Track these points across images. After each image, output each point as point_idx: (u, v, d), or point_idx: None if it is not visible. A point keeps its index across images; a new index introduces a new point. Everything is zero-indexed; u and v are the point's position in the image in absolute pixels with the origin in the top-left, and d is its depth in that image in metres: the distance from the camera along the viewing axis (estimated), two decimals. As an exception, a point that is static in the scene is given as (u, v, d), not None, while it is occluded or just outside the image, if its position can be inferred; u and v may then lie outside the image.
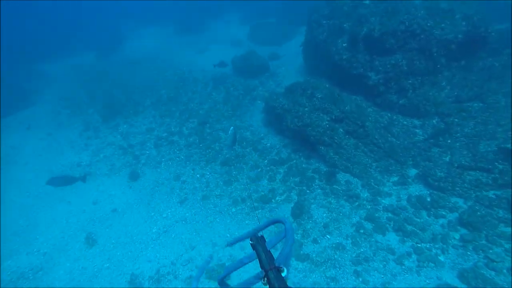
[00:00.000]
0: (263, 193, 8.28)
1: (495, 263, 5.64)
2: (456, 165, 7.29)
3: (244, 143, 10.33)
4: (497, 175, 6.83)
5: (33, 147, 12.20)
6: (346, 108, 8.68)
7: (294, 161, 9.05)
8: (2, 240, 8.27)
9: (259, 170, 9.09)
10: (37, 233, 8.35)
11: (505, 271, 5.52)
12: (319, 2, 12.60)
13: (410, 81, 9.21)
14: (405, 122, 9.15)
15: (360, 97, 10.15)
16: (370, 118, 9.06)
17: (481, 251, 5.90)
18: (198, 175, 9.37)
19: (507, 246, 5.84)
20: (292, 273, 6.22)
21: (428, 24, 8.92)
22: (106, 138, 12.06)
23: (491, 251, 5.85)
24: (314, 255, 6.55)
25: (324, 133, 8.51)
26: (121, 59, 20.37)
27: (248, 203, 8.09)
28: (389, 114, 9.44)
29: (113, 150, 11.28)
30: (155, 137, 11.51)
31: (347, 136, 8.51)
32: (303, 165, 8.79)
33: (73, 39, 24.01)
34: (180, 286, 6.49)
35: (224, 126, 11.31)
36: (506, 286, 5.31)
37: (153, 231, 7.75)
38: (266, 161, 9.38)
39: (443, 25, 8.91)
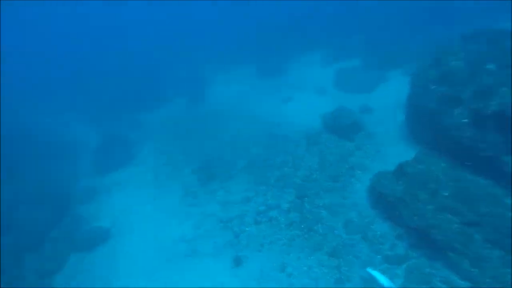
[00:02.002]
0: (383, 305, 7.49)
1: None
2: None
3: (351, 226, 9.68)
4: None
5: (141, 214, 13.00)
6: (481, 210, 7.54)
7: (414, 260, 8.11)
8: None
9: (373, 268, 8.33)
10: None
11: None
12: (425, 63, 11.58)
13: (561, 171, 7.70)
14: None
15: (489, 182, 8.82)
16: None
17: None
18: (305, 267, 8.94)
19: None
20: None
21: None
22: (205, 207, 12.37)
23: None
24: None
25: (454, 239, 7.46)
26: (208, 109, 21.24)
27: (367, 317, 7.37)
28: (534, 209, 7.98)
29: (213, 223, 11.47)
30: (253, 211, 11.44)
31: (488, 245, 7.31)
32: (427, 269, 7.79)
33: (164, 86, 25.84)
34: None
35: (325, 203, 10.79)
36: None
37: None
38: (379, 256, 8.59)
39: None
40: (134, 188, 14.80)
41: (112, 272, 10.64)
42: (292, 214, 10.82)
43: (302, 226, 10.24)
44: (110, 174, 16.33)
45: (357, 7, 24.82)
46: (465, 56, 10.56)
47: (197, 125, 19.14)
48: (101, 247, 11.75)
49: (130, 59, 29.88)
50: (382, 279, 6.89)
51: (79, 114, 23.14)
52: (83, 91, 25.64)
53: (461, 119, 9.41)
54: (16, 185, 14.72)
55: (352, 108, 14.99)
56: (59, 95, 25.63)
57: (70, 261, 11.44)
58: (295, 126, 15.91)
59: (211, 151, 15.78)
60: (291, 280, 8.70)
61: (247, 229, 10.83)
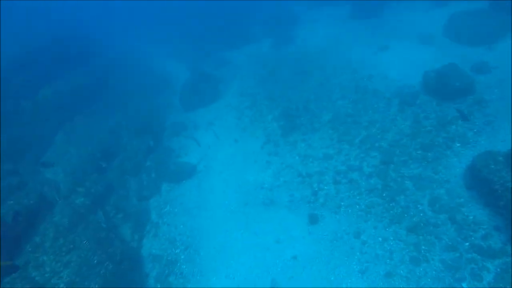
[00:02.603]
0: (463, 298, 7.16)
1: None
2: None
3: (437, 205, 9.01)
4: None
5: (224, 154, 13.82)
6: None
7: (513, 258, 7.36)
8: (209, 255, 10.02)
9: (457, 255, 7.83)
10: (231, 258, 9.64)
11: None
12: None
13: None
14: None
15: None
16: None
17: None
18: (380, 238, 8.81)
19: None
20: None
21: None
22: (285, 157, 12.58)
23: None
24: None
25: None
26: (295, 51, 20.31)
27: (443, 305, 7.17)
28: None
29: (292, 175, 11.72)
30: (333, 169, 11.30)
31: None
32: (529, 273, 7.05)
33: (251, 25, 25.02)
34: None
35: (413, 173, 10.08)
36: None
37: (331, 305, 7.89)
38: (467, 243, 7.97)
39: None
40: (219, 128, 15.56)
41: (197, 206, 11.85)
42: (373, 180, 10.43)
43: (384, 195, 9.86)
44: (198, 111, 17.31)
45: None
46: None
47: (283, 68, 18.68)
48: (188, 181, 13.00)
49: None
50: None
51: (174, 51, 24.30)
52: (177, 30, 26.51)
53: None
54: (122, 113, 16.73)
55: (465, 64, 12.93)
56: (158, 34, 27.09)
57: (162, 189, 13.02)
58: (389, 80, 14.48)
59: (295, 98, 15.51)
60: (364, 248, 8.73)
61: (325, 187, 10.86)
